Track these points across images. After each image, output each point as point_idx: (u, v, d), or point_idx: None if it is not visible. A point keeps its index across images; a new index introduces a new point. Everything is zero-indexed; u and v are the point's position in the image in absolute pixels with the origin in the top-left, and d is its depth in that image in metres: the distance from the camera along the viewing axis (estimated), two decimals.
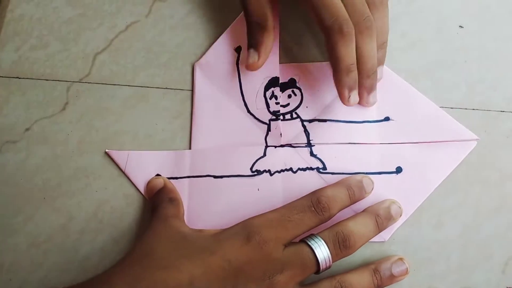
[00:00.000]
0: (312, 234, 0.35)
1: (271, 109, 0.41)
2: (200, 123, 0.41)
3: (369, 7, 0.37)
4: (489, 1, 0.43)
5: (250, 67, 0.40)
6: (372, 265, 0.36)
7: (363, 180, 0.37)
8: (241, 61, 0.42)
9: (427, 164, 0.39)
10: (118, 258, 0.38)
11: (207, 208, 0.39)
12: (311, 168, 0.39)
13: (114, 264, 0.34)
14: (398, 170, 0.39)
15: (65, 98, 0.43)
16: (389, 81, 0.40)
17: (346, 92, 0.37)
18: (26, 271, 0.39)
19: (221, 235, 0.34)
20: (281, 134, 0.40)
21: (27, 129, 0.42)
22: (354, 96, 0.38)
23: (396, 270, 0.36)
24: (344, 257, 0.35)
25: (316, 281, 0.35)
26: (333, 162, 0.39)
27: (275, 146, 0.40)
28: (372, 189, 0.38)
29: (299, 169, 0.39)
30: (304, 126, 0.40)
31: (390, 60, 0.41)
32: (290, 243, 0.35)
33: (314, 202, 0.35)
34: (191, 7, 0.45)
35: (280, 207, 0.35)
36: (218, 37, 0.43)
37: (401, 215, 0.37)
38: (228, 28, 0.43)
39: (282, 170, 0.40)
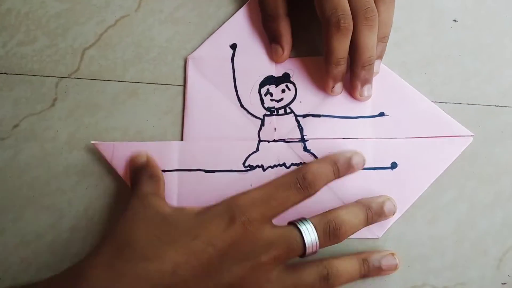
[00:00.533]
0: (303, 218, 0.34)
1: (266, 105, 0.40)
2: (192, 116, 0.41)
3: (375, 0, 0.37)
4: None
5: (278, 61, 0.41)
6: (362, 254, 0.36)
7: (352, 158, 0.37)
8: (236, 57, 0.42)
9: (422, 160, 0.38)
10: None
11: (197, 203, 0.39)
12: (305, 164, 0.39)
13: (91, 252, 0.33)
14: (393, 165, 0.38)
15: (54, 94, 0.42)
16: (383, 77, 0.40)
17: (330, 82, 0.39)
18: (15, 270, 0.39)
19: (205, 216, 0.33)
20: (275, 129, 0.40)
21: (15, 126, 0.42)
22: (338, 88, 0.39)
23: (385, 263, 0.36)
24: (331, 245, 0.34)
25: (302, 263, 0.34)
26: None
27: (268, 141, 0.40)
28: (363, 165, 0.37)
29: (292, 164, 0.39)
30: (297, 121, 0.40)
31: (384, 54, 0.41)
32: (278, 226, 0.34)
33: (300, 178, 0.34)
34: (181, 1, 0.44)
35: (265, 184, 0.35)
36: (208, 31, 0.43)
37: (394, 213, 0.37)
38: (224, 24, 0.42)
39: (275, 166, 0.39)
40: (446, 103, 0.40)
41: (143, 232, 0.33)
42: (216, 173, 0.39)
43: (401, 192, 0.38)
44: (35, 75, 0.43)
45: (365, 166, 0.38)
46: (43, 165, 0.41)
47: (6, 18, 0.44)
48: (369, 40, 0.37)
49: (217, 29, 0.43)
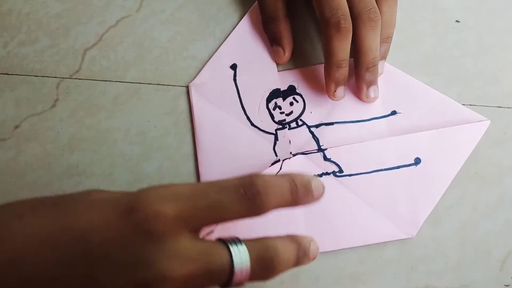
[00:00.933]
0: (236, 238, 0.27)
1: (276, 119, 0.40)
2: (204, 145, 0.40)
3: (378, 0, 0.37)
4: None
5: (280, 62, 0.41)
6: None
7: (311, 181, 0.29)
8: (238, 76, 0.41)
9: (444, 151, 0.38)
10: None
11: None
12: (327, 173, 0.38)
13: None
14: (417, 161, 0.38)
15: (55, 95, 0.42)
16: (389, 75, 0.40)
17: (332, 86, 0.38)
18: None
19: (98, 200, 0.26)
20: (290, 142, 0.39)
21: (16, 127, 0.41)
22: (340, 91, 0.38)
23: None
24: (259, 280, 0.28)
25: None
26: (348, 164, 0.38)
27: (288, 158, 0.39)
28: (322, 195, 0.30)
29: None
30: (311, 132, 0.39)
31: None
32: (202, 239, 0.27)
33: (246, 183, 0.27)
34: (182, 1, 0.44)
35: (203, 182, 0.30)
36: (209, 32, 0.43)
37: (315, 258, 0.30)
38: (221, 46, 0.42)
39: None
40: None
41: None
42: None
43: (429, 187, 0.38)
44: (36, 76, 0.42)
45: (389, 166, 0.38)
46: (44, 166, 0.40)
47: (7, 18, 0.44)
48: (372, 41, 0.36)
49: (214, 52, 0.42)
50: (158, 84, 0.42)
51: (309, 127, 0.40)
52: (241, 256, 0.26)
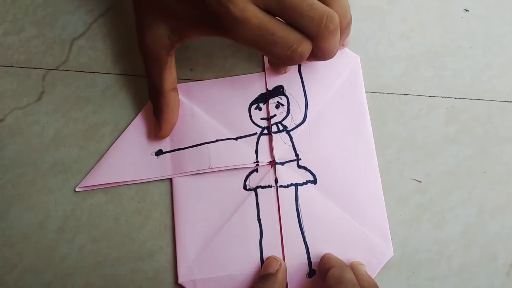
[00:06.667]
0: None
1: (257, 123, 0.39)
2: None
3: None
4: None
5: (156, 138, 0.38)
6: None
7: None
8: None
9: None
10: (98, 259, 0.37)
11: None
12: (304, 183, 0.37)
13: None
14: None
15: (41, 87, 0.40)
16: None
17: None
18: None
19: None
20: (270, 148, 0.38)
21: (0, 121, 0.40)
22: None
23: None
24: None
25: None
26: (323, 172, 0.37)
27: (267, 162, 0.38)
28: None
29: (292, 184, 0.37)
30: (290, 137, 0.38)
31: (389, 45, 0.39)
32: None
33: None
34: None
35: None
36: None
37: None
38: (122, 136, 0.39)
39: (270, 186, 0.37)
40: (455, 98, 0.38)
41: None
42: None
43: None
44: (21, 67, 0.41)
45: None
46: (29, 162, 0.39)
47: None
48: (333, 46, 0.33)
49: None
50: None
51: (289, 132, 0.38)
52: None
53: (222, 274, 0.36)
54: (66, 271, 0.37)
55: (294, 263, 0.36)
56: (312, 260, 0.36)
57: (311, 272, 0.35)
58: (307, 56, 0.33)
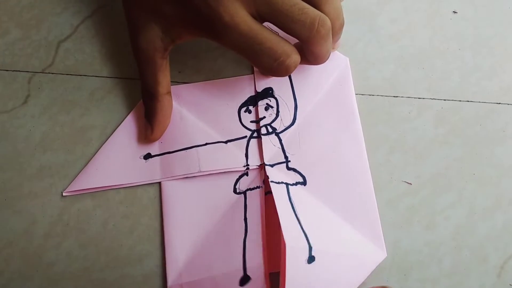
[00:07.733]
0: None
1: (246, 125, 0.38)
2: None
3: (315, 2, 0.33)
4: None
5: (147, 141, 0.38)
6: None
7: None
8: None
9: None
10: (86, 265, 0.36)
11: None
12: (294, 184, 0.37)
13: None
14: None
15: (27, 90, 0.40)
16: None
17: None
18: None
19: None
20: (260, 151, 0.38)
21: None
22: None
23: None
24: None
25: None
26: (313, 174, 0.37)
27: (257, 166, 0.37)
28: None
29: (283, 182, 0.37)
30: (280, 139, 0.38)
31: (379, 47, 0.39)
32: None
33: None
34: None
35: None
36: None
37: None
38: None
39: (259, 187, 0.37)
40: (444, 100, 0.38)
41: None
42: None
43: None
44: (6, 70, 0.40)
45: None
46: (15, 166, 0.38)
47: None
48: (325, 50, 0.33)
49: None
50: (137, 79, 0.39)
51: (278, 134, 0.38)
52: None
53: (206, 275, 0.35)
54: (53, 277, 0.36)
55: (295, 247, 0.34)
56: (312, 246, 0.34)
57: (310, 258, 0.34)
58: (294, 69, 0.33)
